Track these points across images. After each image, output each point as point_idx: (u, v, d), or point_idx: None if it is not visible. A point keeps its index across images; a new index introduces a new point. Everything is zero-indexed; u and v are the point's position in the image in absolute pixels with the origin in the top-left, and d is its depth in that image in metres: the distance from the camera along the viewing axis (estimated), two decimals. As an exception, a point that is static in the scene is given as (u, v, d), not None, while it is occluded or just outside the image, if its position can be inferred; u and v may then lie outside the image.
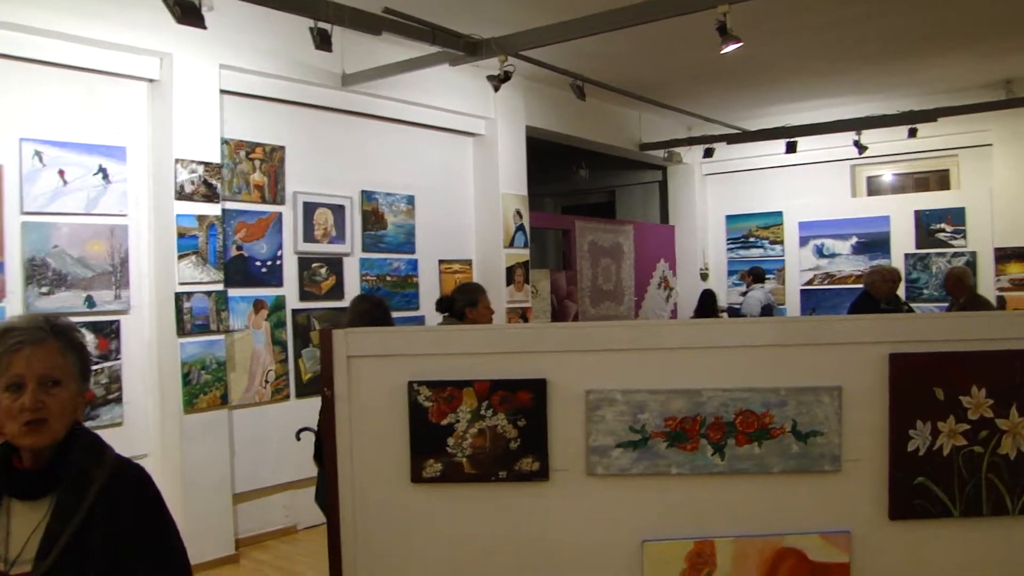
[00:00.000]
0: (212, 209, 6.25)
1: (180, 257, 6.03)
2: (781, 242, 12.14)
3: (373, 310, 5.28)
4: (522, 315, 8.81)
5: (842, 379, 2.50)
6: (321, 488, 4.95)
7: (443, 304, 5.71)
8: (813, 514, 2.52)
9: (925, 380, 2.48)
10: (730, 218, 12.66)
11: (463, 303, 5.60)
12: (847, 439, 2.50)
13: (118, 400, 5.90)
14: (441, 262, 8.40)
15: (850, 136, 10.36)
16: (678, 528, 2.50)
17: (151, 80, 6.12)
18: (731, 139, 11.30)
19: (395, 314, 7.67)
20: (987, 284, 10.15)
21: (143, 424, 6.07)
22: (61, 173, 5.62)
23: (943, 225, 10.84)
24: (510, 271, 8.75)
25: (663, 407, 2.45)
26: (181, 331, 6.03)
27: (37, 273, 5.50)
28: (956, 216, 10.76)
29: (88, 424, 5.60)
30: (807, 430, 2.48)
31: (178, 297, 6.02)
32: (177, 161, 6.03)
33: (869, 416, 2.51)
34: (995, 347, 2.48)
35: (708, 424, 2.46)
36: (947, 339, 2.51)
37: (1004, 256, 10.19)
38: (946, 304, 9.99)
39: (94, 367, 5.76)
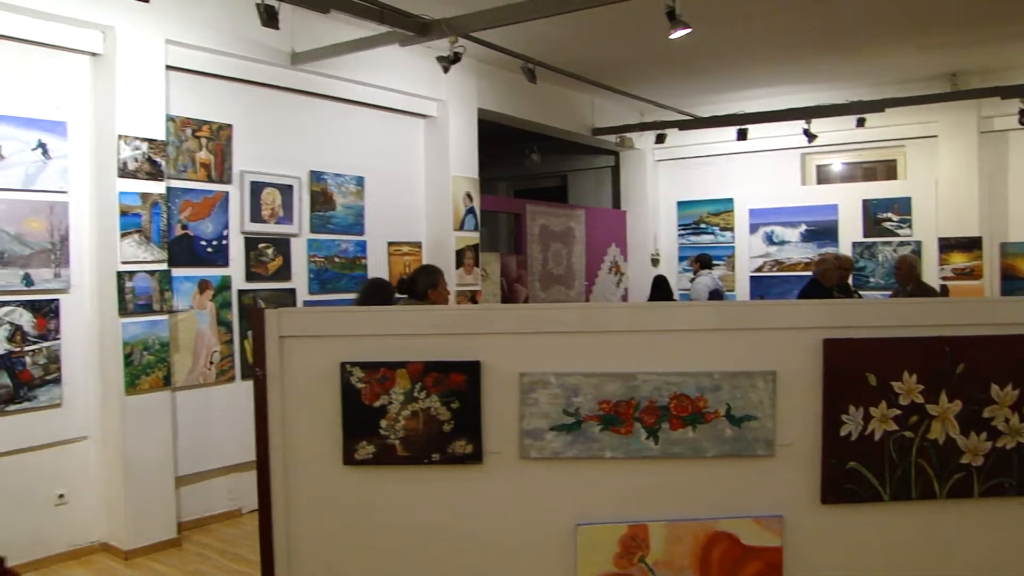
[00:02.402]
0: (156, 187, 6.13)
1: (123, 236, 5.91)
2: (731, 229, 12.22)
3: (376, 293, 5.61)
4: (471, 298, 8.78)
5: (777, 364, 2.52)
6: None
7: (404, 286, 5.68)
8: (746, 498, 2.54)
9: (858, 365, 2.50)
10: (681, 204, 12.72)
11: (426, 284, 5.58)
12: (781, 424, 2.52)
13: (56, 381, 5.78)
14: (390, 244, 8.33)
15: (800, 125, 10.45)
16: (611, 512, 2.50)
17: (94, 54, 5.98)
18: (683, 125, 11.33)
19: (343, 296, 7.68)
20: (931, 273, 10.32)
21: (83, 406, 5.96)
22: (-2, 147, 5.49)
23: (890, 214, 10.99)
24: (460, 254, 8.71)
25: (597, 390, 2.45)
26: (123, 311, 5.92)
27: (-28, 250, 5.38)
28: (902, 206, 10.91)
29: (25, 406, 5.52)
30: (741, 414, 2.49)
31: (120, 276, 5.90)
32: (120, 137, 5.90)
33: (803, 401, 2.53)
34: (926, 333, 2.51)
35: (642, 408, 2.46)
36: (881, 325, 2.53)
37: (947, 246, 10.36)
38: (890, 292, 10.15)
39: (31, 347, 5.64)
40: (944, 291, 9.93)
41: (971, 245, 10.24)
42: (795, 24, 8.10)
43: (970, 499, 2.54)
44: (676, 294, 12.29)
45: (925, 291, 8.60)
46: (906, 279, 8.51)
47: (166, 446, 6.23)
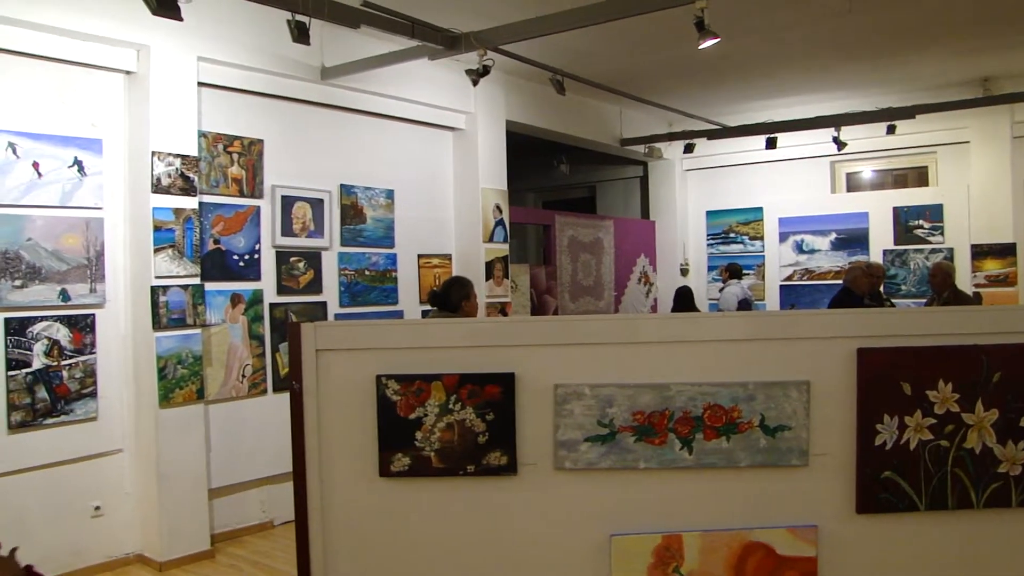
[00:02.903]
0: (189, 202, 6.21)
1: (156, 251, 5.99)
2: (761, 238, 12.16)
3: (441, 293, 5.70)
4: (501, 310, 8.80)
5: (811, 374, 2.51)
6: None
7: (437, 298, 5.71)
8: (781, 508, 2.53)
9: (892, 375, 2.50)
10: (710, 214, 12.69)
11: (459, 296, 5.61)
12: (815, 433, 2.52)
13: (92, 395, 5.85)
14: (420, 256, 8.37)
15: (830, 132, 10.40)
16: (646, 522, 2.50)
17: (128, 72, 6.07)
18: (712, 135, 11.31)
19: (374, 309, 7.72)
20: (964, 280, 10.21)
21: (118, 419, 6.03)
22: (35, 165, 5.57)
23: (921, 221, 10.90)
24: (489, 266, 8.74)
25: (631, 401, 2.46)
26: (157, 325, 5.99)
27: (10, 266, 5.45)
28: (934, 213, 10.82)
29: (62, 419, 5.60)
30: (775, 424, 2.49)
31: (154, 291, 5.97)
32: (154, 154, 5.98)
33: (837, 411, 2.53)
34: (961, 342, 2.50)
35: (676, 418, 2.47)
36: (915, 334, 2.52)
37: (980, 253, 10.26)
38: (923, 300, 10.06)
39: (68, 361, 5.72)
40: (978, 298, 9.83)
41: (1005, 252, 10.13)
42: (824, 32, 8.07)
43: (1008, 508, 2.52)
44: (706, 304, 12.25)
45: (961, 298, 8.51)
46: (942, 286, 8.42)
47: (199, 459, 6.29)
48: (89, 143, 5.85)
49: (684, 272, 12.71)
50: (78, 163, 5.78)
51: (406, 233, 8.20)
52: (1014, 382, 2.49)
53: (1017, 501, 2.51)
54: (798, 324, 2.58)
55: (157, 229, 5.99)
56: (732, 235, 12.44)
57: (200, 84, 6.38)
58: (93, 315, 5.89)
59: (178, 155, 6.12)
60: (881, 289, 9.30)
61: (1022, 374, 2.49)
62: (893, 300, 10.43)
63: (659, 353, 2.49)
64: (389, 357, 2.47)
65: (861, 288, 8.40)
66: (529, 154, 10.76)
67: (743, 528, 2.51)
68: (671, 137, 11.71)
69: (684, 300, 11.03)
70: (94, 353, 5.88)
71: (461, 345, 2.48)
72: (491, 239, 8.79)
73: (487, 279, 8.66)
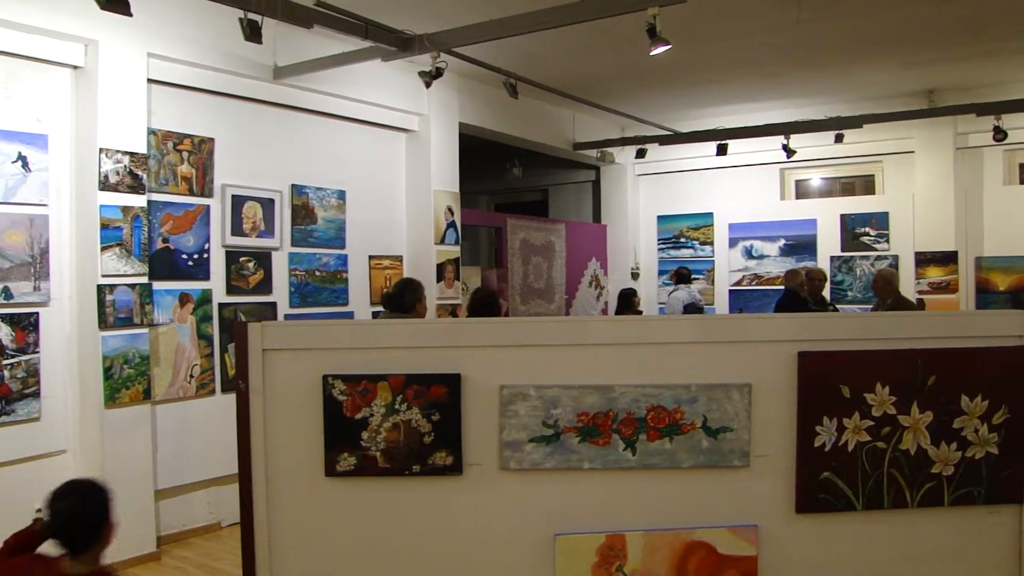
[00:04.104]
0: (137, 200, 6.13)
1: (103, 249, 5.91)
2: (711, 243, 12.29)
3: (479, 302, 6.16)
4: (452, 312, 8.81)
5: (752, 376, 2.56)
6: None
7: (390, 300, 5.69)
8: (722, 508, 2.58)
9: (832, 378, 2.55)
10: (661, 218, 12.79)
11: (413, 298, 5.61)
12: (756, 435, 2.57)
13: (36, 395, 5.76)
14: (371, 258, 8.35)
15: (779, 140, 10.53)
16: (590, 522, 2.53)
17: (75, 67, 5.98)
18: (663, 140, 11.41)
19: (324, 309, 7.68)
20: (908, 287, 10.39)
21: (62, 419, 5.93)
22: (-23, 160, 5.48)
23: (867, 229, 11.09)
24: (440, 268, 8.74)
25: (576, 402, 2.48)
26: (103, 324, 5.90)
27: (-48, 263, 5.37)
28: (880, 220, 11.01)
29: (3, 420, 5.48)
30: (717, 426, 2.54)
31: (100, 289, 5.89)
32: (101, 151, 5.90)
33: (778, 413, 2.58)
34: (898, 346, 2.56)
35: (620, 419, 2.50)
36: (854, 338, 2.58)
37: (924, 260, 10.47)
38: (869, 306, 10.24)
39: (10, 361, 5.62)
40: (921, 305, 10.02)
41: (947, 259, 10.35)
42: (774, 42, 8.19)
43: (940, 507, 2.59)
44: (655, 308, 12.33)
45: (905, 305, 8.67)
46: (884, 293, 8.57)
47: (146, 460, 6.21)
48: (34, 138, 5.76)
49: (635, 276, 12.79)
50: (22, 158, 5.68)
51: (357, 234, 8.18)
52: (948, 385, 2.56)
53: (949, 500, 2.58)
54: (740, 328, 2.62)
55: (104, 227, 5.91)
56: (683, 240, 12.56)
57: (150, 81, 6.30)
58: (37, 313, 5.80)
59: (126, 152, 6.05)
60: (826, 294, 9.46)
61: (956, 378, 2.56)
62: (838, 306, 10.61)
63: (604, 355, 2.52)
64: (336, 357, 2.47)
65: (801, 291, 8.64)
66: (482, 157, 10.77)
67: (685, 528, 2.55)
68: (623, 142, 11.78)
69: (624, 302, 11.05)
70: (37, 352, 5.79)
71: (407, 346, 2.49)
72: (443, 241, 8.79)
73: (438, 281, 8.66)
